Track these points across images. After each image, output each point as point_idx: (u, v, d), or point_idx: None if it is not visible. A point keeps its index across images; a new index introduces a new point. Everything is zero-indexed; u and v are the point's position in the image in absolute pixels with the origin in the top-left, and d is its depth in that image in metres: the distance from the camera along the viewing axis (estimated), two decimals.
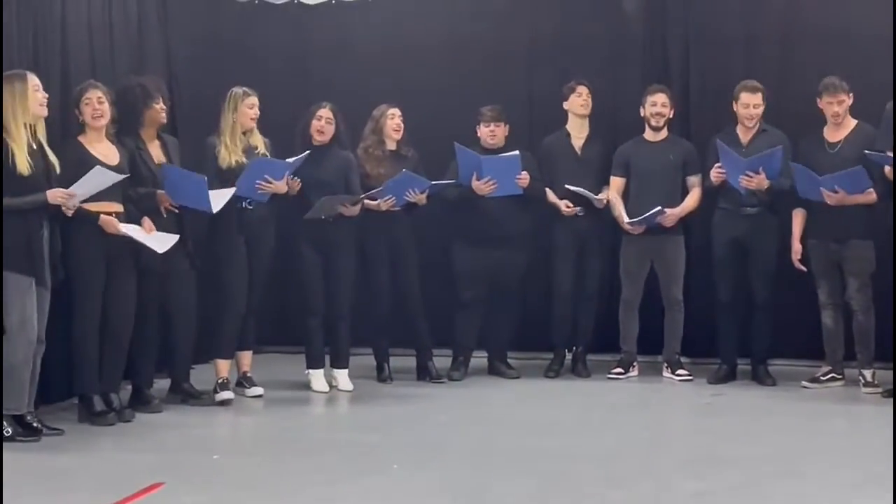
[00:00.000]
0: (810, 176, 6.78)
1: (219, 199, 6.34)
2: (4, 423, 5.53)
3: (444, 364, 7.47)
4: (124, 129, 6.26)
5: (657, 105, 7.34)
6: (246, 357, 6.93)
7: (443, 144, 7.40)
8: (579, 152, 7.48)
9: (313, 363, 7.10)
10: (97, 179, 5.69)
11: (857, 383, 6.98)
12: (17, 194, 5.50)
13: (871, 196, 6.76)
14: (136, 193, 6.16)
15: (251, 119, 6.68)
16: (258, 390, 6.83)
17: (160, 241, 6.10)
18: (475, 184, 7.14)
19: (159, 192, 6.23)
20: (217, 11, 8.42)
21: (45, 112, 5.68)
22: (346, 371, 7.15)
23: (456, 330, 7.53)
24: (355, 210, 6.91)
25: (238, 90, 6.68)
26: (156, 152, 6.40)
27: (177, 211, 6.31)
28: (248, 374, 6.91)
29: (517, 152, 7.27)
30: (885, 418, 6.25)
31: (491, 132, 7.32)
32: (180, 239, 6.33)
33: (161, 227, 6.18)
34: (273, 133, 6.91)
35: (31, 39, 6.25)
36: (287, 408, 6.67)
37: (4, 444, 5.43)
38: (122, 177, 5.84)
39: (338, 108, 7.01)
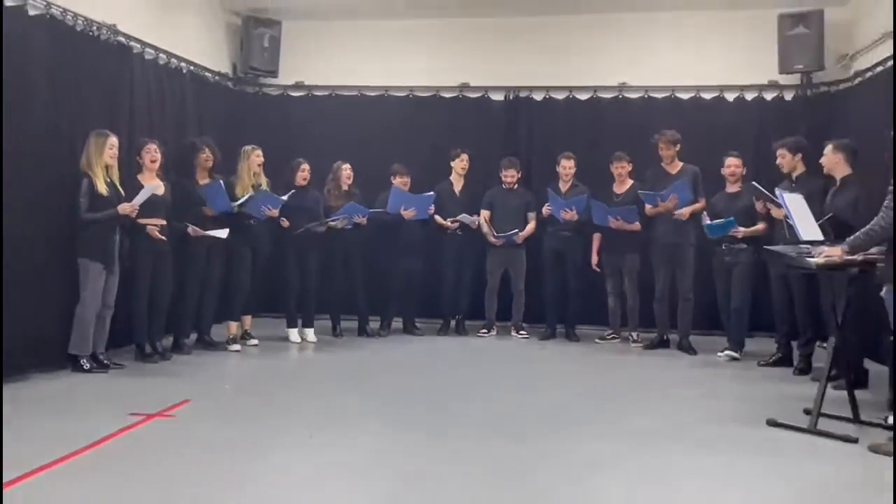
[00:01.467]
0: (603, 208, 6.91)
1: (238, 203, 6.27)
2: (85, 359, 5.39)
3: (376, 325, 7.36)
4: (181, 171, 6.17)
5: (507, 176, 7.36)
6: (247, 320, 6.75)
7: (375, 186, 7.29)
8: (458, 194, 7.46)
9: (291, 324, 6.95)
10: (146, 193, 5.55)
11: (628, 341, 7.09)
12: (98, 210, 5.38)
13: (636, 226, 6.87)
14: (190, 212, 6.06)
15: (258, 164, 6.56)
16: (255, 341, 6.68)
17: (221, 233, 6.11)
18: (404, 212, 7.10)
19: (204, 207, 6.15)
20: (233, 96, 8.21)
21: (114, 163, 5.54)
22: (312, 329, 7.00)
23: (387, 304, 7.43)
24: (323, 228, 6.82)
25: (248, 147, 6.59)
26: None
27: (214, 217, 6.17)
28: (249, 331, 6.74)
29: (432, 193, 7.24)
30: (645, 361, 6.42)
31: (404, 182, 7.30)
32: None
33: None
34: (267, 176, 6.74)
35: (109, 106, 6.04)
36: (273, 353, 6.50)
37: (84, 376, 5.30)
38: (156, 189, 5.67)
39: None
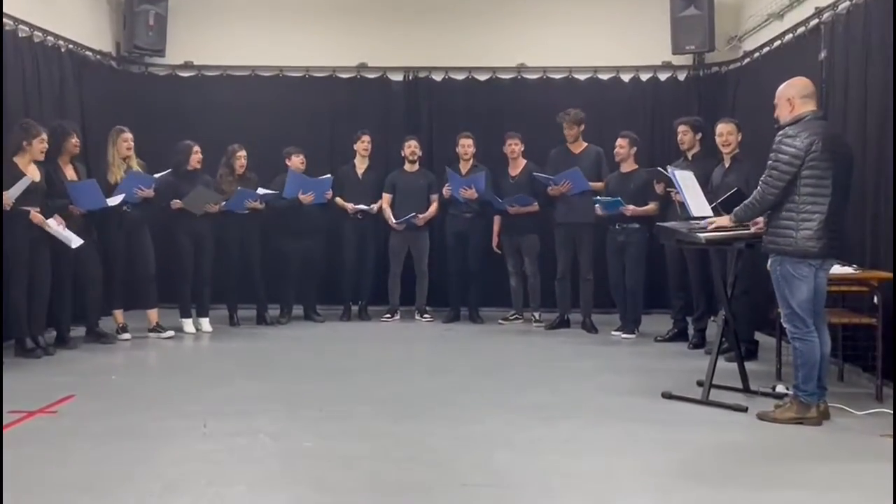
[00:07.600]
0: (498, 201, 7.01)
1: (113, 200, 6.02)
2: None
3: (275, 313, 7.26)
4: (48, 157, 5.78)
5: (410, 148, 7.40)
6: (154, 313, 6.51)
7: (269, 170, 7.21)
8: (360, 177, 7.46)
9: (184, 313, 6.79)
10: (23, 184, 5.34)
11: (531, 322, 7.22)
12: None
13: (534, 208, 6.97)
14: (53, 204, 5.71)
15: (127, 148, 6.27)
16: (171, 333, 6.48)
17: (74, 240, 5.66)
18: (302, 196, 7.03)
19: (70, 206, 5.82)
20: (118, 77, 7.86)
21: None
22: (207, 319, 6.87)
23: (283, 291, 7.32)
24: (216, 208, 6.68)
25: (115, 129, 6.28)
26: (69, 173, 6.00)
27: (83, 215, 5.91)
28: (160, 323, 6.50)
29: (330, 176, 7.17)
30: (547, 340, 6.54)
31: (301, 161, 7.23)
32: (88, 230, 5.99)
33: (73, 229, 5.73)
34: (151, 159, 6.59)
35: None
36: (166, 343, 6.35)
37: None
38: (30, 181, 5.40)
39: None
